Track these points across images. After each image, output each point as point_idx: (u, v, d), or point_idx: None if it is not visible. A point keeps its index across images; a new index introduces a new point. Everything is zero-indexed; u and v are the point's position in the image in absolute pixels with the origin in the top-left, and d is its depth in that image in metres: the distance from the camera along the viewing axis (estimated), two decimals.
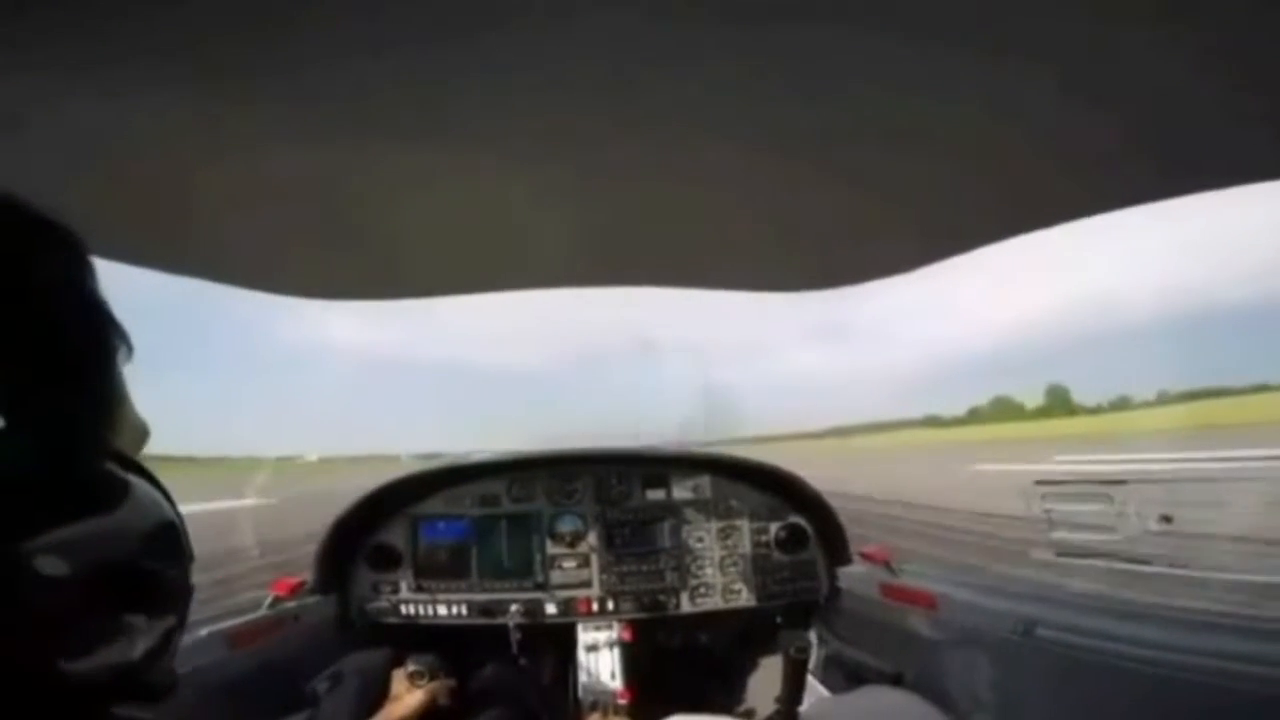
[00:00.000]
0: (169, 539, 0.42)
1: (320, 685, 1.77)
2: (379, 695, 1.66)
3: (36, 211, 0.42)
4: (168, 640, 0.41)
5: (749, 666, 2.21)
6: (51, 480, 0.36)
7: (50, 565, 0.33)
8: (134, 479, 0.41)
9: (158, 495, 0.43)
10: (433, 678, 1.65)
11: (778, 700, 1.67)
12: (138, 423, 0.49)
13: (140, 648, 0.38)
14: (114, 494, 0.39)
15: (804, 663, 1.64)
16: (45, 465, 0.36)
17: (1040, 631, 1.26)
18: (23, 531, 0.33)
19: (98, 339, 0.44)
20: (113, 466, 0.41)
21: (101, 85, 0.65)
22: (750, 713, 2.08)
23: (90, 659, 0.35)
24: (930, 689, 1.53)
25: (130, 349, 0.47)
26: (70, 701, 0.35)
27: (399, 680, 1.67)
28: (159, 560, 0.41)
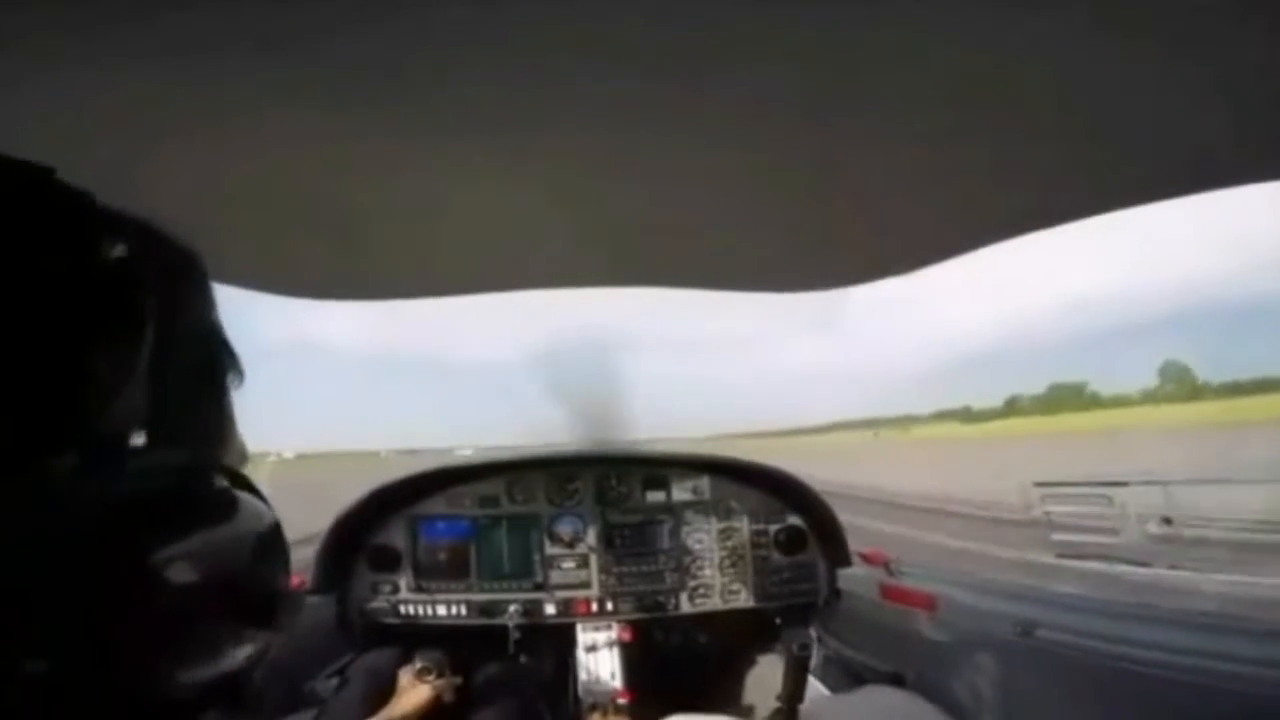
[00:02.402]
0: (276, 550, 0.44)
1: (323, 685, 1.78)
2: (385, 695, 1.66)
3: (171, 235, 0.44)
4: (263, 652, 0.42)
5: (748, 667, 2.21)
6: (181, 495, 0.38)
7: (175, 576, 0.34)
8: (243, 494, 0.43)
9: (264, 507, 0.44)
10: (440, 675, 1.67)
11: (779, 698, 1.68)
12: (241, 444, 0.51)
13: (243, 658, 0.39)
14: (231, 508, 0.41)
15: (806, 660, 1.64)
16: (176, 480, 0.38)
17: (1040, 632, 1.26)
18: (150, 544, 0.34)
19: (218, 362, 0.47)
20: (226, 482, 0.43)
21: (91, 80, 0.65)
22: (749, 712, 2.08)
23: (203, 669, 0.36)
24: (929, 690, 1.53)
25: (242, 374, 0.49)
26: (178, 712, 0.37)
27: (405, 676, 1.68)
28: (269, 571, 0.42)
